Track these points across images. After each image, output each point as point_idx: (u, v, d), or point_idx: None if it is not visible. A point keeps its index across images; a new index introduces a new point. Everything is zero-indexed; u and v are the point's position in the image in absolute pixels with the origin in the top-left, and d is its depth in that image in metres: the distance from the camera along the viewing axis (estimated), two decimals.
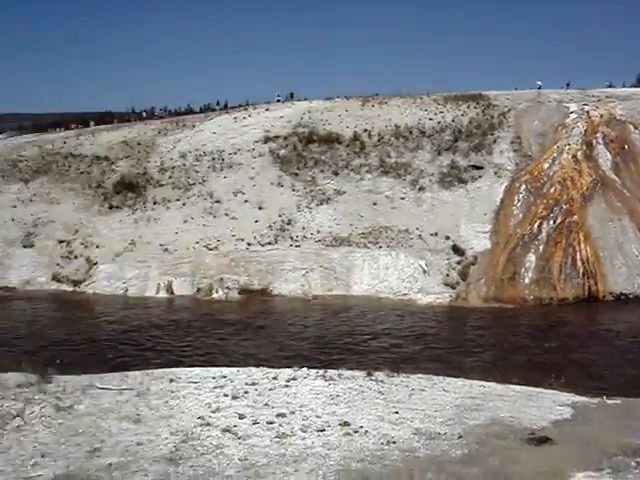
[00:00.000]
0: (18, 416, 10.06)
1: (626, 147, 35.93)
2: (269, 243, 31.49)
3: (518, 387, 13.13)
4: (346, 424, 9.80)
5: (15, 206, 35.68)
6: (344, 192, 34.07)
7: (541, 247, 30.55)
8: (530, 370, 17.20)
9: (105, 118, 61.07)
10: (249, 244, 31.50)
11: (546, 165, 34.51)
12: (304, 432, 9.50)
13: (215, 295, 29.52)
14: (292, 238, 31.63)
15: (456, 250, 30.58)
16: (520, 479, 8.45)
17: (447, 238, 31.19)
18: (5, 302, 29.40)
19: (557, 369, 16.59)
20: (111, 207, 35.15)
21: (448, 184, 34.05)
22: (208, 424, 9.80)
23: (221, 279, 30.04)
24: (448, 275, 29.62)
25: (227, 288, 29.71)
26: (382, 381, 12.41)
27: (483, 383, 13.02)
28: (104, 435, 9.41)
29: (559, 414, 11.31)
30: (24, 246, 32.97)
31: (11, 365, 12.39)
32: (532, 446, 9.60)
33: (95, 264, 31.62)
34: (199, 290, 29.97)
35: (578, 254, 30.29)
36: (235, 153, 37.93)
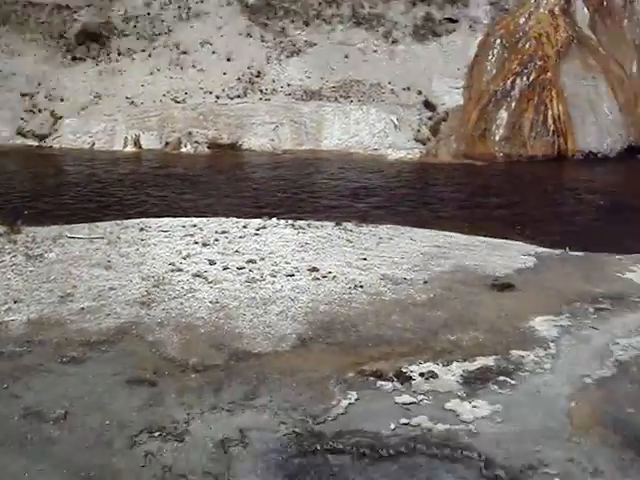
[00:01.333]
0: None
1: (604, 3, 34.98)
2: (238, 96, 30.76)
3: (484, 238, 13.42)
4: (315, 270, 9.97)
5: None
6: (315, 44, 32.98)
7: (513, 104, 30.22)
8: (497, 223, 17.42)
9: None
10: (217, 97, 30.75)
11: (522, 20, 33.31)
12: (274, 277, 9.68)
13: (184, 149, 29.13)
14: (261, 91, 30.91)
15: (428, 105, 30.16)
16: (483, 322, 8.74)
17: (419, 93, 30.67)
18: None
19: (523, 222, 16.92)
20: (74, 59, 33.74)
21: (422, 37, 33.04)
22: (179, 270, 9.94)
23: (189, 133, 29.56)
24: (419, 131, 29.41)
25: (196, 142, 29.30)
26: (351, 230, 12.57)
27: (449, 234, 13.29)
28: (76, 281, 9.52)
29: (522, 263, 11.61)
30: None
31: None
32: (495, 292, 9.91)
33: (60, 118, 30.75)
34: (167, 144, 29.49)
35: (549, 112, 30.10)
36: (202, 1, 36.36)
